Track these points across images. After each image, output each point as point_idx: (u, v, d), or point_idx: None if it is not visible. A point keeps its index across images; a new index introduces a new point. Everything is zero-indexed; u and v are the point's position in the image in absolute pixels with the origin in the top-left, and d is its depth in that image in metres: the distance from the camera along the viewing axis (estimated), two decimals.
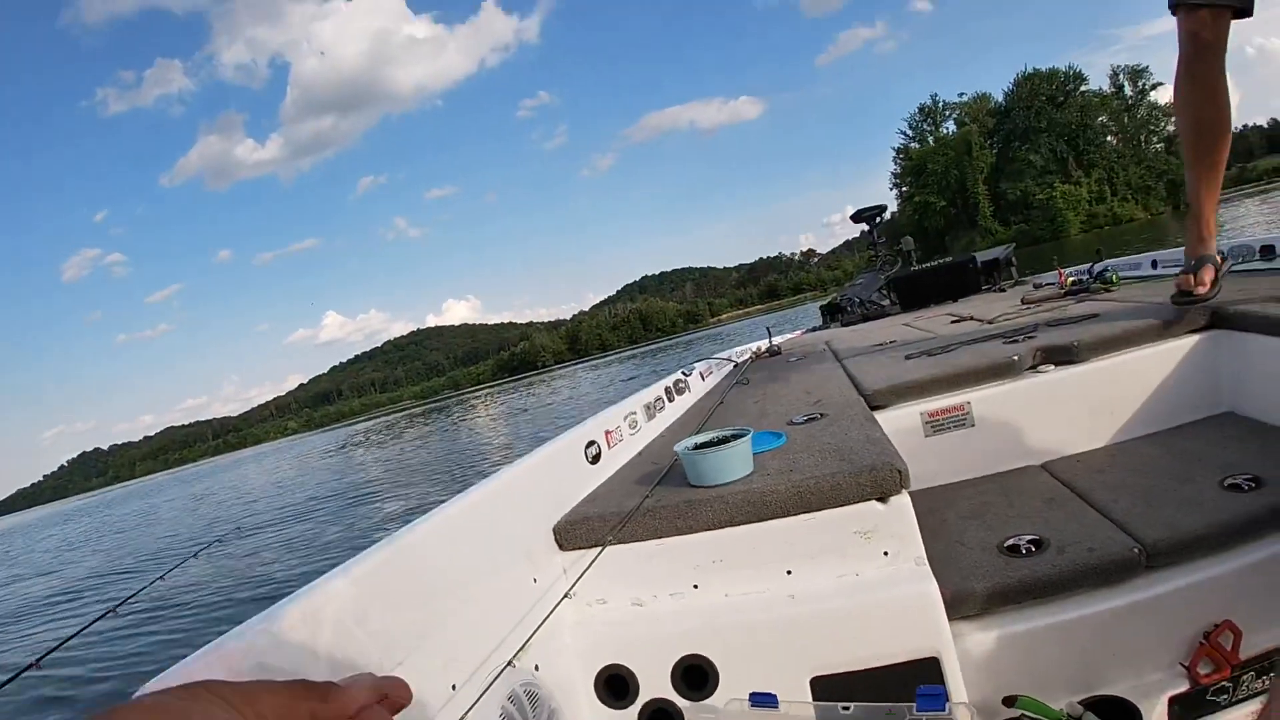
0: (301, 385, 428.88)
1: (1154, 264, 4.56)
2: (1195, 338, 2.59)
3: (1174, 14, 2.60)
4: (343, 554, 8.78)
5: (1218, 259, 2.70)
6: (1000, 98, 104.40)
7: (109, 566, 14.87)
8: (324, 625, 1.36)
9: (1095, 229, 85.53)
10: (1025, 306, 4.22)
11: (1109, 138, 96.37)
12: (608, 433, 2.75)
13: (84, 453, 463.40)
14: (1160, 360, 2.59)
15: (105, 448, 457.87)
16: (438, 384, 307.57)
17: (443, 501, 1.96)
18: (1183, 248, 4.38)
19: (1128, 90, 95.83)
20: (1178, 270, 4.05)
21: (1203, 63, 2.56)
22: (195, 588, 8.57)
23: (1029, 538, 1.96)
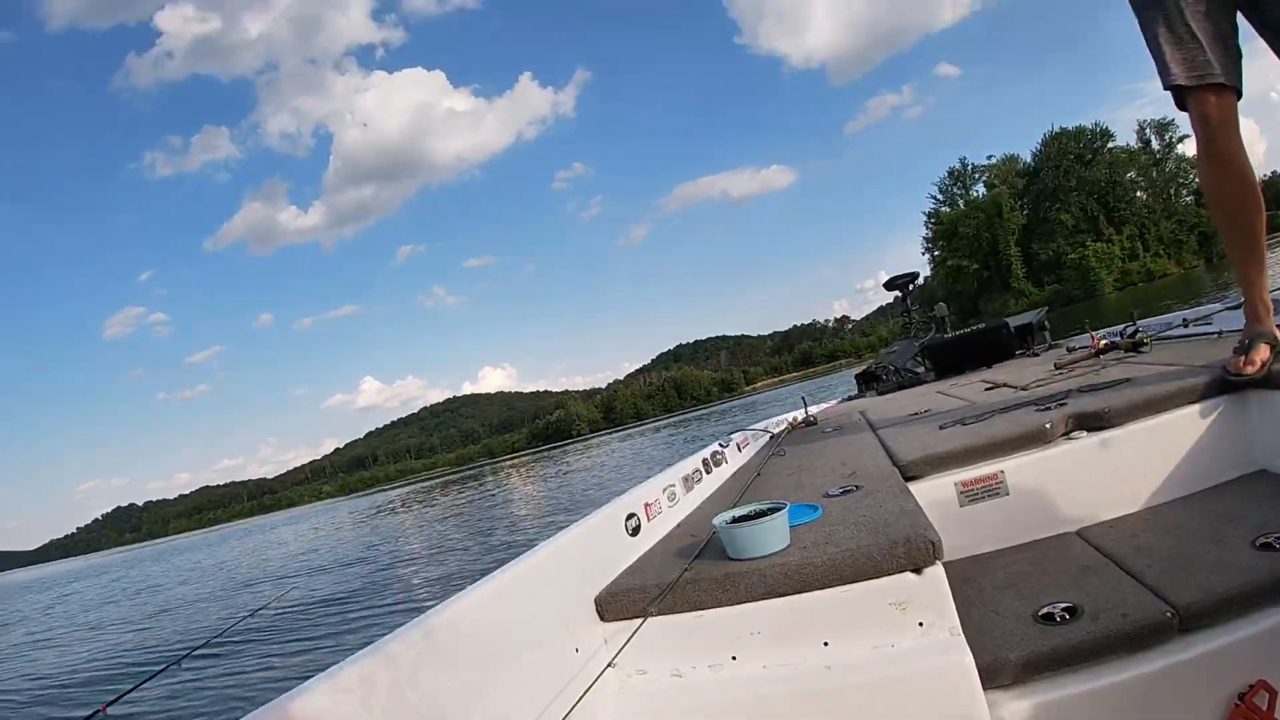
0: (337, 450, 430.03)
1: (1184, 322, 4.55)
2: (1228, 398, 2.58)
3: (1181, 108, 2.68)
4: (385, 620, 8.82)
5: (1276, 333, 2.64)
6: (1029, 158, 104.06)
7: (158, 622, 14.91)
8: (379, 688, 1.44)
9: (1129, 286, 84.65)
10: (1058, 371, 4.21)
11: (1139, 193, 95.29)
12: (647, 505, 2.80)
13: (118, 508, 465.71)
14: (1192, 422, 2.58)
15: (140, 504, 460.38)
16: (473, 451, 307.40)
17: (488, 572, 2.03)
18: (1211, 304, 4.39)
19: (1155, 144, 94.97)
20: (1210, 330, 4.07)
21: (1220, 141, 2.60)
22: (251, 646, 8.61)
23: (1063, 605, 1.96)
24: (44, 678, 11.20)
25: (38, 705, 9.20)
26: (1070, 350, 5.01)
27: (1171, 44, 2.62)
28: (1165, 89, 2.64)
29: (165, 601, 19.46)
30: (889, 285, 9.14)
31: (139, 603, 20.70)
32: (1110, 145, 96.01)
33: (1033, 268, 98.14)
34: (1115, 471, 2.57)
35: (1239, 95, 2.58)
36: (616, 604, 2.13)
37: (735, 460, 4.32)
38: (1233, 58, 2.57)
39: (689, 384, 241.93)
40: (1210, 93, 2.56)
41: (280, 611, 10.34)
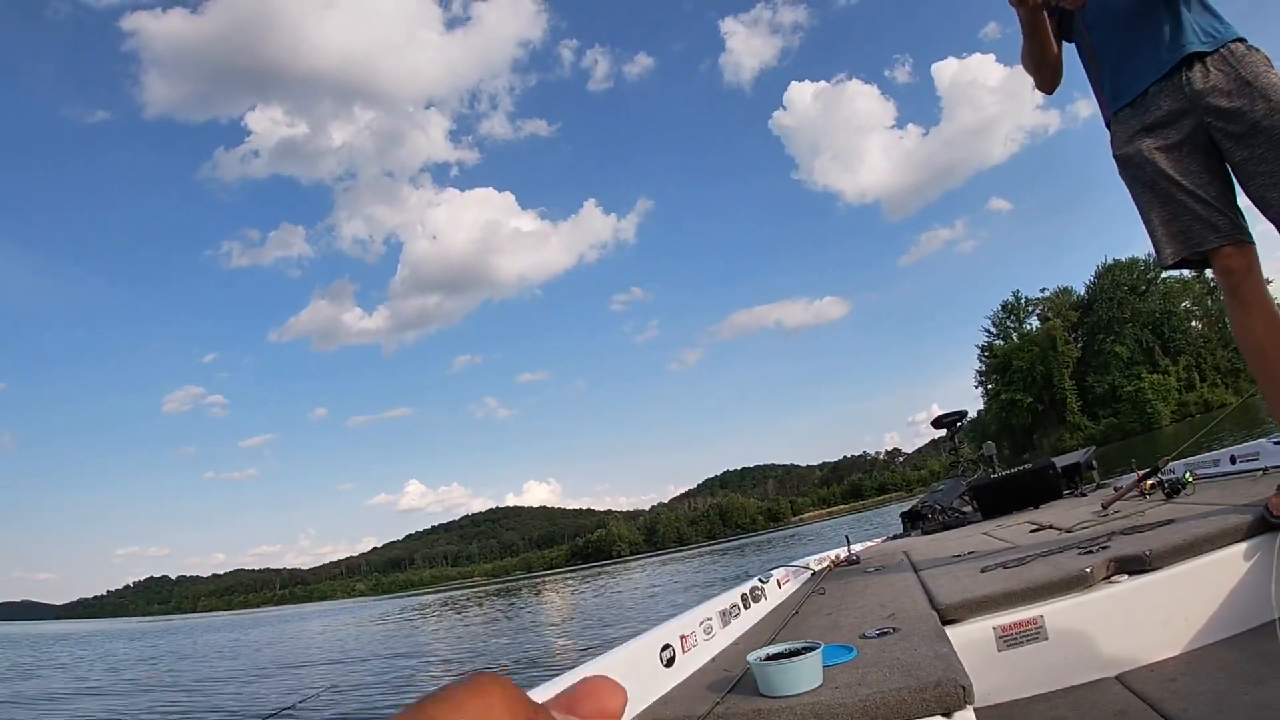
0: (375, 549, 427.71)
1: (1232, 459, 4.51)
2: (1268, 538, 2.57)
3: (1203, 269, 2.78)
4: None
5: None
6: (1082, 290, 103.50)
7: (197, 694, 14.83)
8: None
9: (1186, 418, 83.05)
10: (1103, 512, 4.20)
11: (1194, 322, 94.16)
12: (683, 637, 2.81)
13: (151, 577, 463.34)
14: (1234, 563, 2.56)
15: (173, 577, 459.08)
16: (510, 564, 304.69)
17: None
18: (1259, 440, 4.38)
19: (1209, 273, 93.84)
20: (1255, 466, 4.05)
21: (1245, 290, 2.68)
22: None
23: None
24: None
25: None
26: (1117, 489, 4.97)
27: (1166, 222, 2.76)
28: (1164, 269, 2.77)
29: (208, 674, 19.38)
30: (937, 424, 9.15)
31: (178, 671, 20.61)
32: (1164, 275, 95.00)
33: (1088, 400, 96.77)
34: (1156, 615, 2.55)
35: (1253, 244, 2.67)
36: None
37: (774, 596, 4.30)
38: (1238, 215, 2.69)
39: (734, 511, 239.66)
40: (1230, 247, 2.65)
41: (313, 707, 10.29)
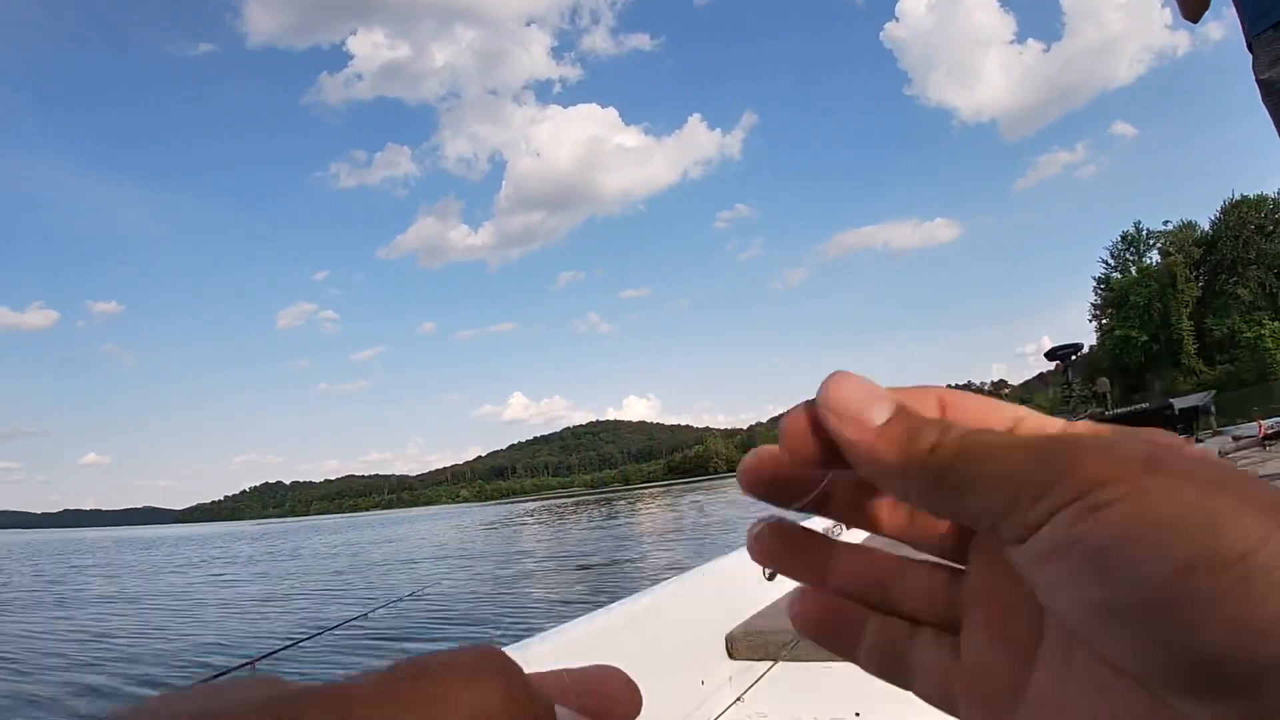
0: (479, 457, 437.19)
1: None
2: None
3: None
4: (524, 624, 9.01)
5: None
6: (1206, 226, 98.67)
7: (309, 590, 15.52)
8: None
9: None
10: (1222, 459, 4.07)
11: None
12: None
13: (266, 483, 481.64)
14: None
15: (287, 482, 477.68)
16: (609, 476, 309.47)
17: (621, 596, 2.10)
18: None
19: None
20: None
21: None
22: (390, 632, 8.92)
23: None
24: (209, 626, 11.81)
25: (204, 650, 9.68)
26: (1236, 439, 4.82)
27: None
28: None
29: (329, 568, 20.23)
30: (1050, 355, 8.93)
31: (296, 569, 21.58)
32: None
33: (1205, 344, 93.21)
34: None
35: None
36: (747, 643, 2.16)
37: None
38: None
39: None
40: None
41: (419, 603, 10.68)
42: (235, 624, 12.08)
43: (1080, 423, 0.31)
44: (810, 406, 0.34)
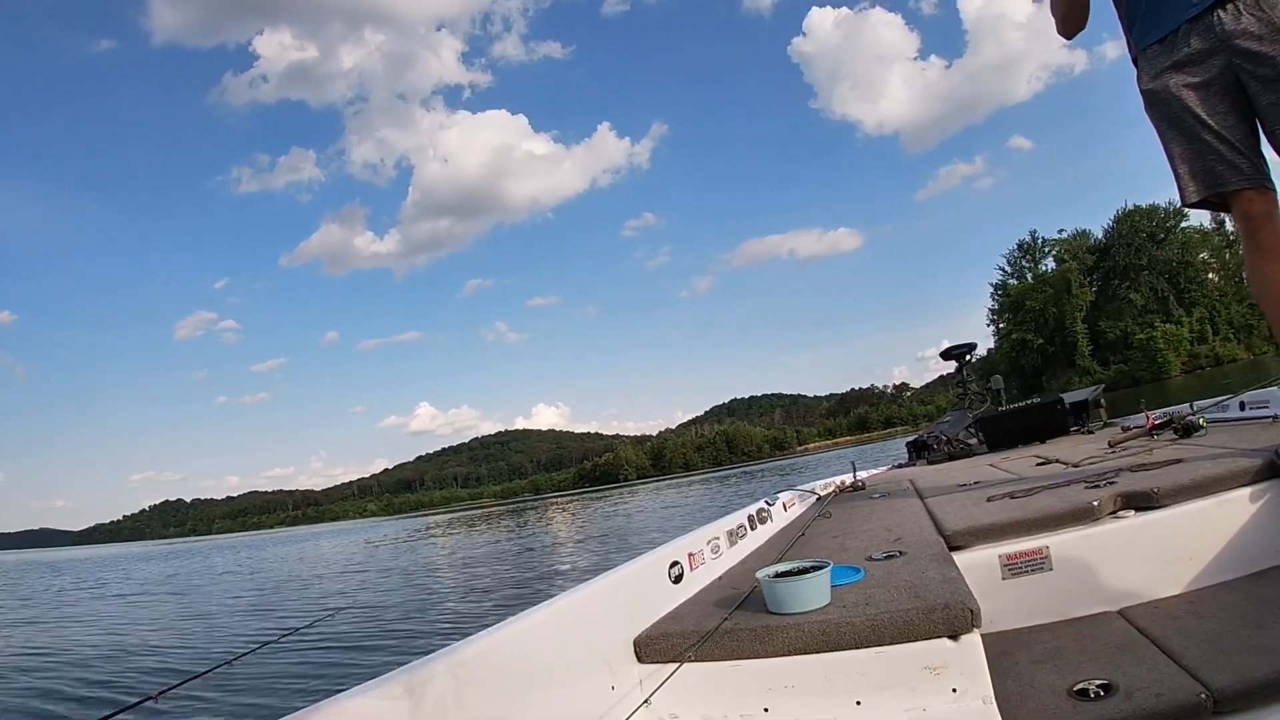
0: (386, 470, 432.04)
1: (1242, 406, 4.51)
2: (1276, 483, 2.56)
3: (1222, 211, 2.75)
4: (427, 642, 8.91)
5: None
6: (1100, 234, 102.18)
7: (210, 618, 15.15)
8: (425, 702, 1.53)
9: (1197, 369, 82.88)
10: (1111, 450, 4.19)
11: (1210, 275, 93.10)
12: (691, 554, 2.85)
13: (167, 501, 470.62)
14: (1241, 506, 2.55)
15: (188, 500, 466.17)
16: (519, 486, 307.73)
17: (529, 603, 2.10)
18: (1270, 388, 4.39)
19: (1229, 226, 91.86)
20: (1265, 413, 4.04)
21: (1264, 234, 2.66)
22: (298, 655, 8.74)
23: (1099, 682, 1.94)
24: (99, 657, 11.44)
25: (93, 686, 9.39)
26: (1125, 429, 4.98)
27: (1190, 160, 2.72)
28: (1183, 207, 2.73)
29: (221, 596, 19.75)
30: (946, 355, 9.13)
31: (195, 595, 21.03)
32: (1183, 224, 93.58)
33: (1099, 346, 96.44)
34: (1160, 552, 2.55)
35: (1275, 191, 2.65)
36: (655, 646, 2.18)
37: (780, 519, 4.35)
38: (1262, 160, 2.66)
39: (741, 439, 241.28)
40: (1250, 190, 2.63)
41: (327, 626, 10.49)
42: (136, 653, 11.72)
43: None
44: None
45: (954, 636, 1.87)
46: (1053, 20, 3.09)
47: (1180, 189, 2.77)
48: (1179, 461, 3.06)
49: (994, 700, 1.81)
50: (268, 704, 6.93)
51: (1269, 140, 2.62)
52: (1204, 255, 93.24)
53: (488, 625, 1.96)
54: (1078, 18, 3.03)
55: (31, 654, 12.17)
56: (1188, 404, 4.94)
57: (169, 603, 19.57)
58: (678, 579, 2.69)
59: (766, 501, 4.25)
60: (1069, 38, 3.11)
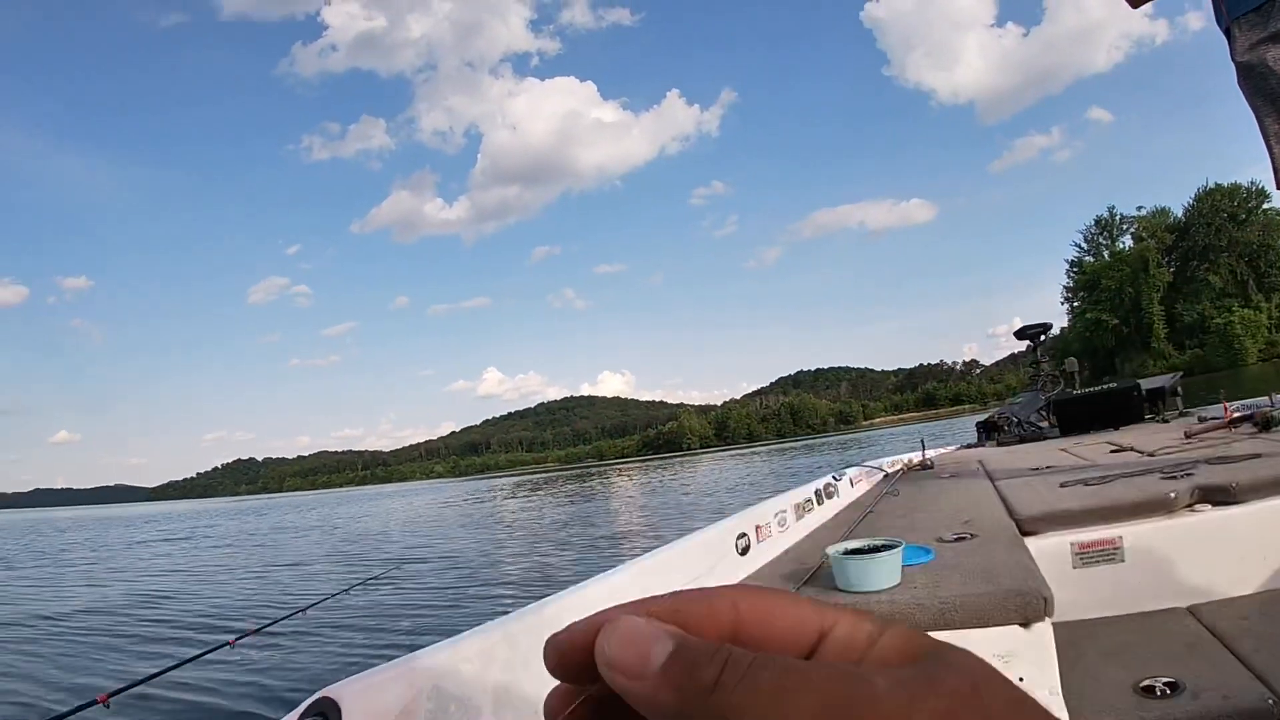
0: (453, 433, 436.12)
1: None
2: None
3: None
4: (501, 603, 9.06)
5: None
6: (1179, 213, 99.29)
7: (280, 572, 15.54)
8: (496, 662, 1.57)
9: (1275, 358, 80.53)
10: (1187, 440, 4.12)
11: None
12: (758, 527, 2.87)
13: (239, 459, 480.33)
14: None
15: (259, 459, 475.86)
16: (583, 451, 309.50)
17: (603, 571, 2.13)
18: None
19: None
20: None
21: None
22: (366, 608, 8.96)
23: (1165, 680, 1.92)
24: (189, 600, 11.81)
25: (184, 627, 9.70)
26: (1202, 420, 4.87)
27: None
28: (1279, 189, 2.61)
29: (297, 550, 20.23)
30: (1020, 334, 8.99)
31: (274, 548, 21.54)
32: (1266, 206, 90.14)
33: (1175, 329, 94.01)
34: (1236, 549, 2.51)
35: None
36: None
37: (847, 494, 4.34)
38: None
39: (806, 411, 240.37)
40: None
41: (394, 581, 10.70)
42: (219, 600, 12.08)
43: (894, 631, 0.30)
44: (576, 633, 0.32)
45: (1025, 624, 1.86)
46: None
47: (1276, 169, 2.68)
48: (1259, 456, 2.99)
49: (1060, 692, 1.80)
50: (340, 654, 7.13)
51: None
52: None
53: (552, 592, 2.00)
54: None
55: (137, 595, 12.69)
56: (1267, 396, 4.83)
57: (250, 555, 20.15)
58: (744, 550, 2.71)
59: (834, 477, 4.25)
60: (1135, 6, 3.00)
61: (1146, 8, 3.01)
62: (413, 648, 1.55)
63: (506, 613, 1.80)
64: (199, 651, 3.66)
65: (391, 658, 1.49)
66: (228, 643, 4.07)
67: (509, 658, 1.62)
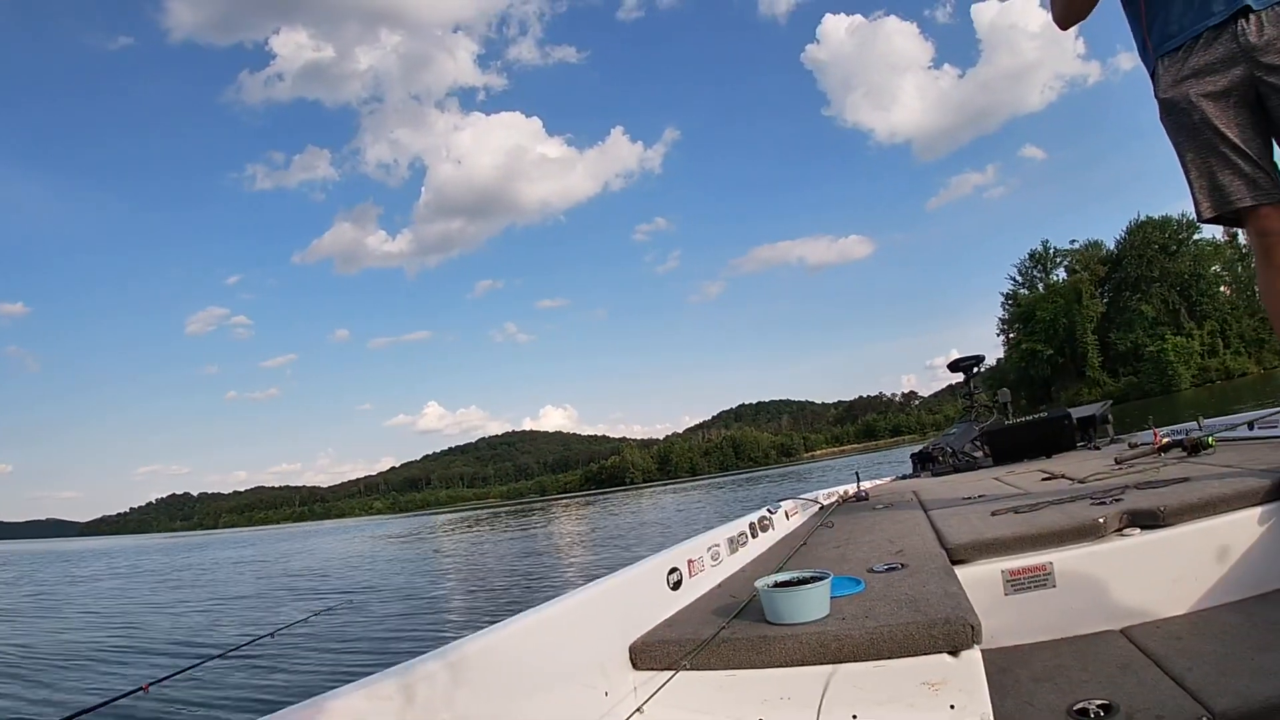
0: (393, 468, 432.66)
1: (1250, 425, 4.46)
2: None
3: (1236, 227, 2.72)
4: (424, 640, 8.90)
5: None
6: (1112, 245, 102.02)
7: (207, 611, 15.20)
8: (416, 703, 1.51)
9: (1207, 383, 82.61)
10: (1118, 466, 4.15)
11: (1222, 288, 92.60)
12: (690, 561, 2.83)
13: (174, 494, 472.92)
14: (1247, 527, 2.51)
15: (195, 494, 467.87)
16: (525, 487, 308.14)
17: (528, 607, 2.09)
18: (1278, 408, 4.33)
19: (1241, 239, 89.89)
20: (1275, 433, 4.00)
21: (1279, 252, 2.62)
22: (290, 651, 8.77)
23: (1099, 702, 1.90)
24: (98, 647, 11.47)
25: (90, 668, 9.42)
26: (1132, 445, 4.93)
27: (1207, 174, 2.68)
28: (1199, 222, 2.69)
29: (223, 591, 19.80)
30: (953, 367, 9.11)
31: (199, 587, 21.07)
32: (1196, 237, 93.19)
33: (1109, 357, 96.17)
34: (1166, 571, 2.51)
35: None
36: (650, 653, 2.15)
37: (782, 527, 4.33)
38: (1278, 175, 2.62)
39: (748, 444, 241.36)
40: (1268, 207, 2.60)
41: (322, 622, 10.51)
42: (133, 643, 11.75)
43: None
44: None
45: (954, 652, 1.84)
46: (1051, 10, 3.02)
47: (1196, 204, 2.73)
48: (1186, 480, 3.02)
49: (992, 718, 1.78)
50: (260, 699, 6.95)
51: None
52: (1216, 268, 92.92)
53: (483, 626, 1.95)
54: (1080, 9, 2.96)
55: (25, 646, 12.27)
56: (1195, 422, 4.91)
57: (173, 594, 19.65)
58: (676, 585, 2.67)
59: (769, 510, 4.23)
60: (1064, 28, 3.03)
61: (1073, 30, 3.06)
62: (329, 688, 1.49)
63: (425, 651, 1.74)
64: (102, 700, 3.52)
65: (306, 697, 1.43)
66: (141, 688, 3.92)
67: (429, 697, 1.57)
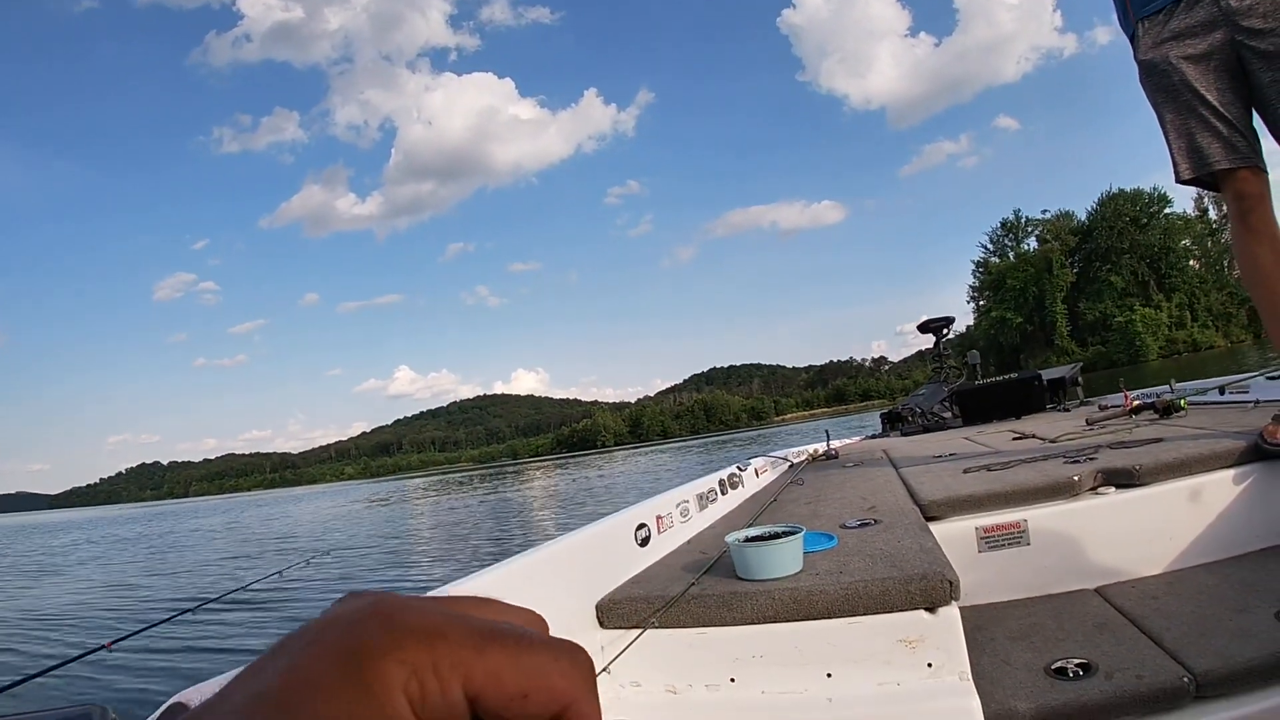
0: (364, 433, 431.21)
1: (1221, 390, 4.47)
2: (1261, 466, 2.53)
3: (1213, 191, 2.70)
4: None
5: None
6: (1083, 216, 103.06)
7: (172, 575, 15.16)
8: None
9: (1174, 355, 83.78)
10: (1089, 427, 4.15)
11: (1191, 261, 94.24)
12: (659, 517, 2.77)
13: (143, 464, 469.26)
14: (1222, 488, 2.53)
15: (165, 463, 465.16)
16: (496, 450, 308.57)
17: (490, 564, 2.01)
18: (1251, 374, 4.36)
19: (1212, 214, 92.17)
20: (1246, 399, 4.01)
21: (1256, 215, 2.61)
22: (259, 607, 8.77)
23: (1077, 661, 1.90)
24: (62, 609, 11.40)
25: (55, 630, 9.38)
26: (1103, 408, 4.94)
27: (1185, 135, 2.67)
28: (1177, 183, 2.70)
29: (187, 555, 19.71)
30: (923, 328, 9.09)
31: (159, 553, 20.96)
32: (1167, 210, 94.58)
33: (1078, 326, 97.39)
34: (1141, 530, 2.51)
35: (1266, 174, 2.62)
36: (617, 611, 2.09)
37: (752, 484, 4.28)
38: (1256, 139, 2.62)
39: (719, 408, 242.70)
40: (1245, 170, 2.59)
41: (292, 579, 10.49)
42: (111, 602, 11.71)
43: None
44: None
45: (931, 609, 1.79)
46: None
47: (1174, 165, 2.73)
48: (1160, 441, 3.02)
49: (970, 677, 1.73)
50: (230, 649, 6.94)
51: (1265, 119, 2.58)
52: (1186, 242, 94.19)
53: (449, 582, 1.87)
54: None
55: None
56: (1167, 385, 4.91)
57: (152, 560, 19.58)
58: (644, 542, 2.61)
59: (738, 467, 4.18)
60: None
61: (1051, 2, 3.02)
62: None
63: None
64: (60, 660, 3.45)
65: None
66: (104, 645, 3.85)
67: None
